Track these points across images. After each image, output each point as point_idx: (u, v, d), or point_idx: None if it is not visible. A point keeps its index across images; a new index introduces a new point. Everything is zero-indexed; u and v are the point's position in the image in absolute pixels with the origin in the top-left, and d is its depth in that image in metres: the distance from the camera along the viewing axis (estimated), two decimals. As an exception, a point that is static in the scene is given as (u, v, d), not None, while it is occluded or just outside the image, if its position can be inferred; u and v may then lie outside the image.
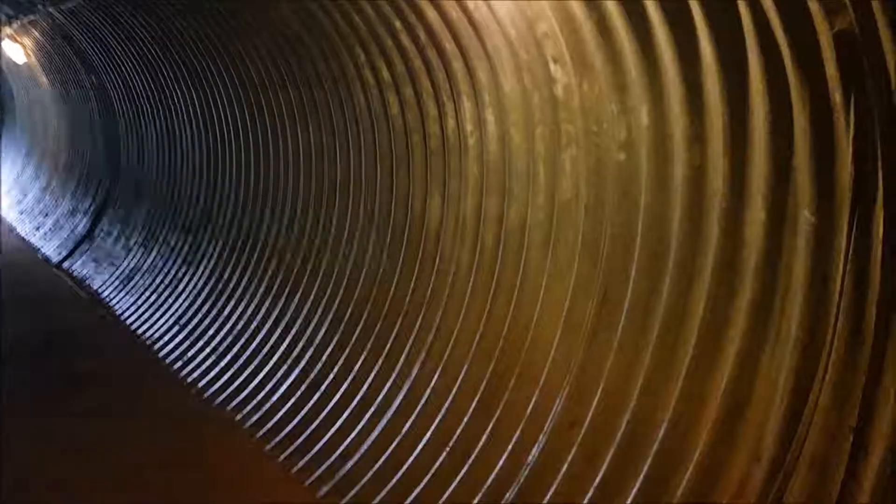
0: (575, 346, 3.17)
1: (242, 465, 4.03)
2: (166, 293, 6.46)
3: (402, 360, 3.98)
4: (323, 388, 4.25)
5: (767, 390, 2.47)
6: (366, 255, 4.59)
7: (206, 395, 4.88)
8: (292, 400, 4.34)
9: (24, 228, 10.80)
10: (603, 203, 3.11)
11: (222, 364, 5.04)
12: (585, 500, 2.85)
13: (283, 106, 5.35)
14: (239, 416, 4.51)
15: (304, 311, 4.85)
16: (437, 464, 3.38)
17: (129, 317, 6.55)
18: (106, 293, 7.34)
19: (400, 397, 3.81)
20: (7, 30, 10.12)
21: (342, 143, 4.81)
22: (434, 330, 3.91)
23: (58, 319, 6.75)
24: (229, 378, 4.87)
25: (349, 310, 4.52)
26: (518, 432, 3.24)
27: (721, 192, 2.63)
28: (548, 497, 2.98)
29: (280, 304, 5.09)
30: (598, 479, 2.88)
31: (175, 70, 6.67)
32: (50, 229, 10.14)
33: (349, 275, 4.66)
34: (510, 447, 3.23)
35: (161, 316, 6.19)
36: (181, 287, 6.33)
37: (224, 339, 5.28)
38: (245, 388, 4.69)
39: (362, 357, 4.23)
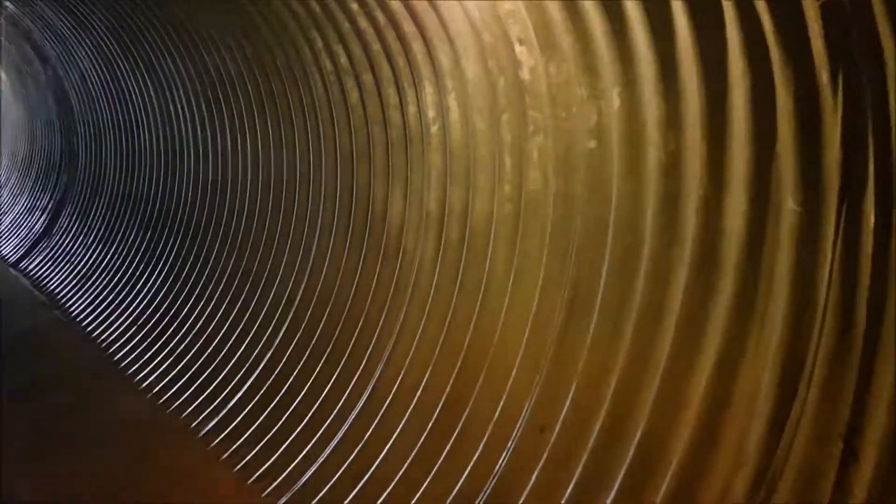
0: (545, 344, 3.00)
1: (196, 474, 3.82)
2: (124, 293, 6.23)
3: (364, 361, 3.79)
4: (282, 392, 4.05)
5: (750, 392, 2.32)
6: (327, 251, 4.39)
7: (161, 400, 4.65)
8: (250, 405, 4.13)
9: (-19, 227, 10.51)
10: (573, 193, 2.94)
11: (178, 368, 4.82)
12: (557, 511, 2.68)
13: (241, 98, 5.16)
14: (195, 423, 4.29)
15: (264, 311, 4.64)
16: (400, 473, 3.19)
17: (86, 318, 6.31)
18: (63, 293, 7.09)
19: (362, 401, 3.62)
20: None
21: (301, 134, 4.62)
22: (397, 329, 3.73)
23: (10, 322, 6.49)
24: (185, 382, 4.65)
25: (310, 309, 4.32)
26: (486, 437, 3.06)
27: (698, 180, 2.47)
28: (517, 507, 2.81)
29: (238, 304, 4.87)
30: (570, 488, 2.71)
31: (131, 62, 6.45)
32: (7, 227, 9.84)
33: (310, 272, 4.47)
34: (477, 454, 3.05)
35: (118, 317, 5.96)
36: (139, 286, 6.10)
37: (181, 341, 5.06)
38: (201, 393, 4.48)
39: (323, 358, 4.03)
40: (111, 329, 5.87)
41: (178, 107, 6.04)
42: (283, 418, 3.89)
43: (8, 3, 7.95)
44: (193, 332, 5.06)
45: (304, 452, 3.64)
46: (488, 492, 2.93)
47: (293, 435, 3.76)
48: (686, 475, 2.43)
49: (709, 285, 2.47)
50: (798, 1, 2.03)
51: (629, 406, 2.62)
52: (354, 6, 3.65)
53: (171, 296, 5.61)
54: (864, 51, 1.96)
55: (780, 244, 2.27)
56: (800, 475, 2.17)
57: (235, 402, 4.24)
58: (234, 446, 3.95)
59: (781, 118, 2.20)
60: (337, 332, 4.11)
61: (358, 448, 3.46)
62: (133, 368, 5.16)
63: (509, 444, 2.95)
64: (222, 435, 4.08)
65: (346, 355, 3.91)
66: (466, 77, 3.32)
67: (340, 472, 3.44)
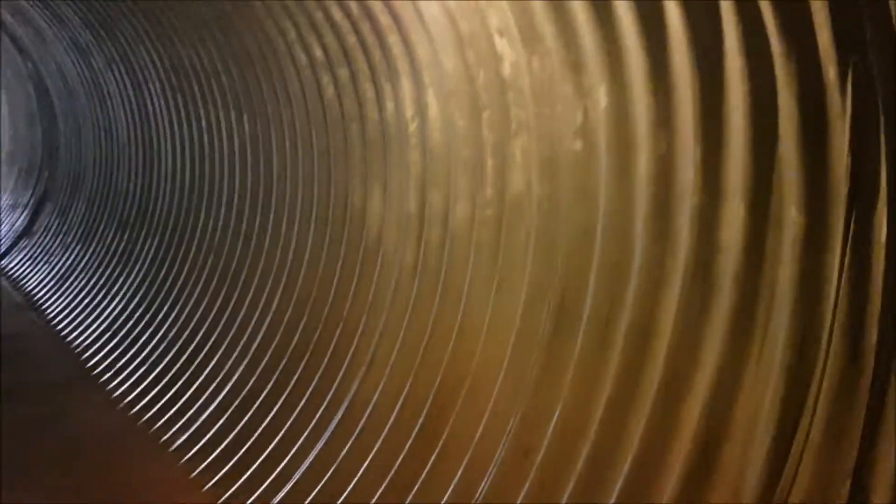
0: (529, 359, 2.82)
1: (163, 494, 3.64)
2: (100, 296, 6.09)
3: (341, 373, 3.62)
4: (256, 405, 3.88)
5: (748, 422, 2.13)
6: (304, 255, 4.21)
7: (132, 411, 4.49)
8: (223, 419, 3.96)
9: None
10: (558, 198, 2.76)
11: (152, 376, 4.67)
12: (541, 542, 2.51)
13: (217, 94, 4.99)
14: (166, 436, 4.12)
15: (240, 318, 4.47)
16: (375, 498, 3.00)
17: (61, 322, 6.17)
18: (40, 294, 6.95)
19: (337, 418, 3.44)
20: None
21: (277, 131, 4.45)
22: (376, 339, 3.55)
23: (-14, 326, 6.35)
24: (158, 392, 4.50)
25: (286, 316, 4.15)
26: (466, 460, 2.88)
27: (692, 186, 2.29)
28: (499, 537, 2.63)
29: (214, 310, 4.70)
30: (555, 516, 2.53)
31: (106, 55, 6.29)
32: (-10, 225, 9.70)
33: (287, 277, 4.30)
34: (457, 477, 2.87)
35: (93, 321, 5.82)
36: (115, 289, 5.96)
37: (155, 348, 4.91)
38: (174, 404, 4.32)
39: (300, 369, 3.86)
40: (86, 334, 5.76)
41: (154, 101, 5.93)
42: (257, 434, 3.72)
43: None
44: (168, 338, 4.93)
45: (276, 471, 3.46)
46: (468, 519, 2.75)
47: (266, 452, 3.59)
48: (679, 508, 2.25)
49: (704, 301, 2.30)
50: (802, -11, 1.84)
51: (618, 432, 2.45)
52: (326, -4, 3.46)
53: (148, 300, 5.48)
54: (877, 44, 1.77)
55: (782, 257, 2.10)
56: (804, 514, 1.98)
57: (208, 415, 4.08)
58: (206, 463, 3.78)
59: (783, 119, 2.03)
60: (315, 338, 3.94)
61: (333, 468, 3.28)
62: (106, 376, 5.04)
63: (491, 469, 2.77)
64: (194, 450, 3.93)
65: (323, 366, 3.74)
66: (445, 71, 3.14)
67: (314, 493, 3.26)
